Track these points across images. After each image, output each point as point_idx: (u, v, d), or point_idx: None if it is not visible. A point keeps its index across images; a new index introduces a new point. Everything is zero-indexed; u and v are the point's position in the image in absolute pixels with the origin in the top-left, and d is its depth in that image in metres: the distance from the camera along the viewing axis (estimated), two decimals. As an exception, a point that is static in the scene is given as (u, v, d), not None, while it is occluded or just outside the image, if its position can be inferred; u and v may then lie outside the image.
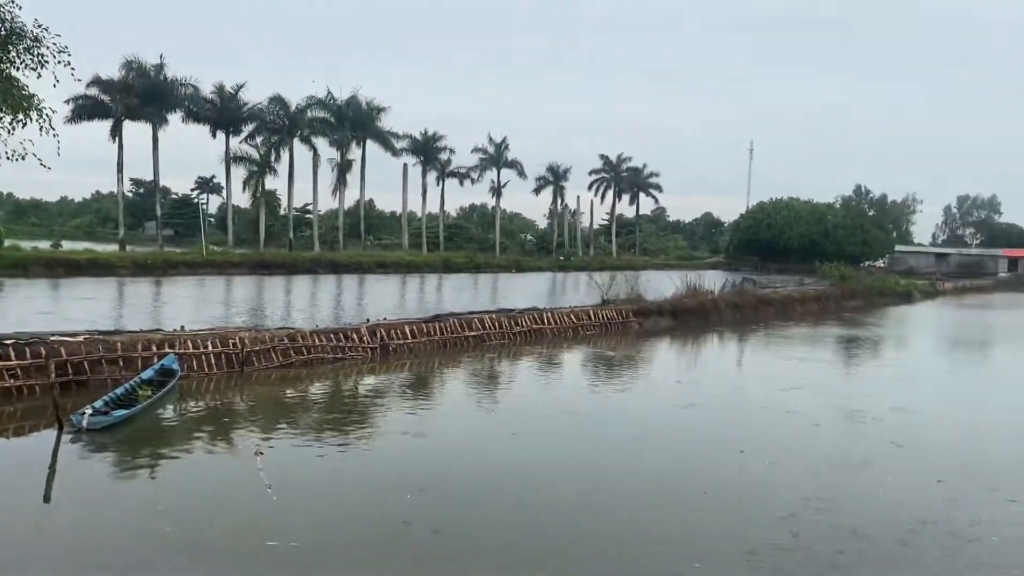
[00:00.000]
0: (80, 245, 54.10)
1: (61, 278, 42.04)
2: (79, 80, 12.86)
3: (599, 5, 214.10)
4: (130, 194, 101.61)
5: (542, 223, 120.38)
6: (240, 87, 57.76)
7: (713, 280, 39.83)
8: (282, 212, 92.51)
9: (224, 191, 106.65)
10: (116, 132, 50.80)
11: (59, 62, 12.29)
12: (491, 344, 25.03)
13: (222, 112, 57.52)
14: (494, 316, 25.90)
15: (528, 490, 11.29)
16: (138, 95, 50.78)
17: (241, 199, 69.73)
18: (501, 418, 16.38)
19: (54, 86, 12.46)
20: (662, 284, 37.19)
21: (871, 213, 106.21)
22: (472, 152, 77.79)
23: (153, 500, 10.39)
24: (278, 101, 59.49)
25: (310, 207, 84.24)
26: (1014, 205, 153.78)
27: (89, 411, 13.37)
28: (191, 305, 32.16)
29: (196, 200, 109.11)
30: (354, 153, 65.82)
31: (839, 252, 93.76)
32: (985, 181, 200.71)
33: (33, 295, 33.93)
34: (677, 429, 15.61)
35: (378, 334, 22.05)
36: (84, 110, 49.98)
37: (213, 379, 18.15)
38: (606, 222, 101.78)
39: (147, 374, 16.54)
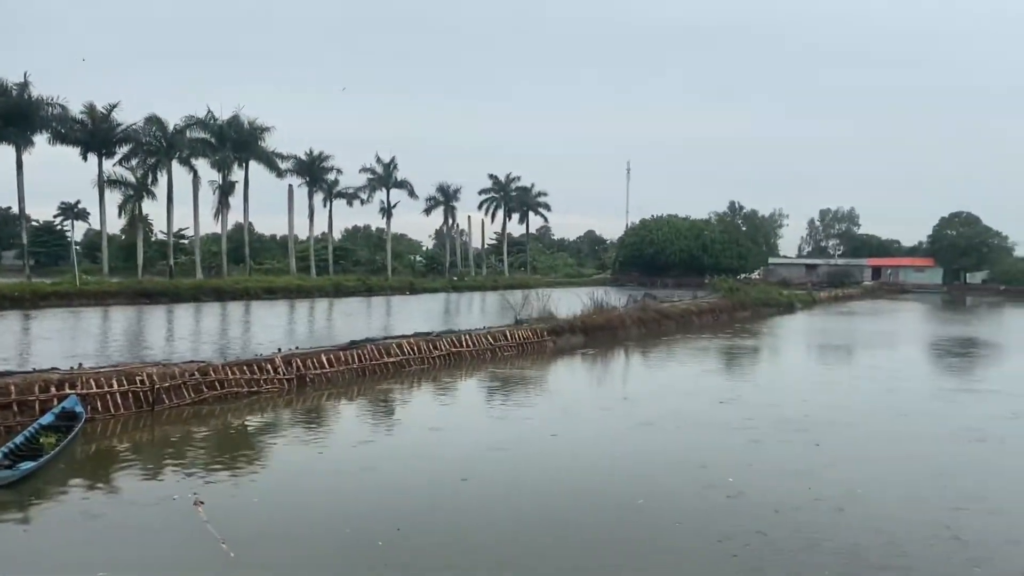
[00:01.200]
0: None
1: (-90, 314, 38.10)
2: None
3: (479, 22, 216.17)
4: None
5: (428, 243, 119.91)
6: (113, 107, 54.42)
7: (605, 295, 40.23)
8: (155, 237, 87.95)
9: (91, 217, 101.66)
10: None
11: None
12: (411, 369, 24.26)
13: (94, 134, 53.92)
14: (412, 340, 25.13)
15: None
16: (0, 115, 46.90)
17: (110, 225, 65.59)
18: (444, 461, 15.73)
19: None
20: (562, 302, 37.32)
21: (744, 228, 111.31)
22: (360, 172, 76.45)
23: (83, 569, 9.11)
24: (155, 121, 56.38)
25: (185, 231, 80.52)
26: (871, 216, 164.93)
27: (-9, 465, 11.85)
28: (74, 340, 29.70)
29: (59, 227, 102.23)
30: (236, 175, 63.26)
31: (717, 266, 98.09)
32: (844, 194, 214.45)
33: None
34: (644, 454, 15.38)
35: (294, 364, 20.91)
36: None
37: (121, 420, 16.62)
38: (494, 241, 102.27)
39: (47, 419, 14.92)
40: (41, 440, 13.80)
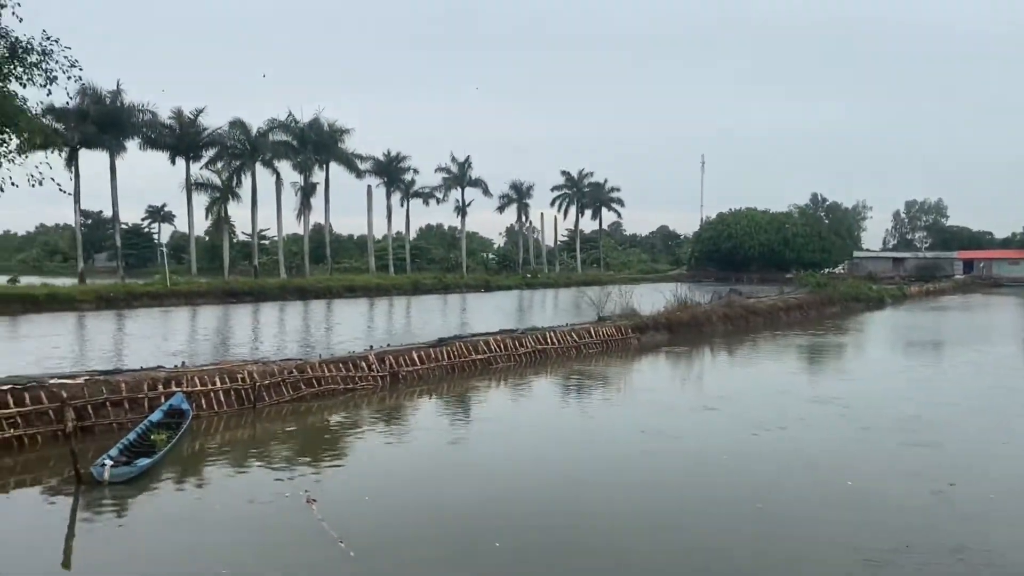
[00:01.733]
0: (40, 280, 51.59)
1: (18, 315, 39.87)
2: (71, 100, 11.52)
3: (556, 24, 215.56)
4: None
5: (499, 241, 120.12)
6: (200, 112, 56.05)
7: (685, 291, 39.28)
8: (236, 239, 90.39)
9: (176, 220, 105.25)
10: (72, 162, 48.64)
11: (69, 77, 11.14)
12: (498, 367, 24.15)
13: (181, 138, 55.65)
14: (499, 338, 25.01)
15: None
16: (95, 122, 48.76)
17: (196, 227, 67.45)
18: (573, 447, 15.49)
19: (42, 102, 11.34)
20: (642, 298, 36.61)
21: (827, 221, 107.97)
22: (436, 172, 76.95)
23: (199, 567, 9.20)
24: (239, 125, 57.85)
25: (265, 232, 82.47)
26: (959, 208, 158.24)
27: (109, 462, 12.13)
28: (169, 339, 30.60)
29: (147, 229, 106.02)
30: (317, 176, 64.46)
31: (799, 260, 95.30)
32: (932, 186, 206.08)
33: (8, 334, 32.11)
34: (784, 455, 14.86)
35: (387, 362, 21.02)
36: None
37: (223, 417, 16.93)
38: (566, 238, 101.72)
39: (156, 416, 15.28)
40: (152, 437, 14.13)
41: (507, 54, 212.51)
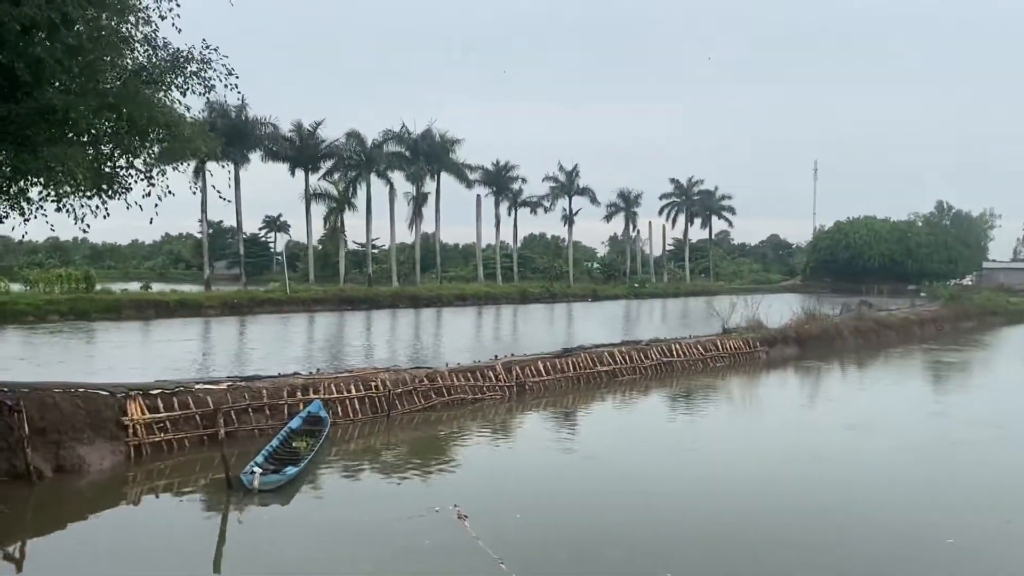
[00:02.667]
0: (167, 287, 54.18)
1: (152, 320, 41.81)
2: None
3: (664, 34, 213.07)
4: (199, 235, 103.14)
5: (601, 250, 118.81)
6: (318, 124, 57.64)
7: (806, 303, 37.45)
8: (347, 247, 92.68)
9: (291, 229, 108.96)
10: (200, 173, 50.78)
11: (226, 85, 11.29)
12: (623, 379, 23.49)
13: (301, 150, 57.42)
14: (624, 349, 24.35)
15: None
16: (223, 135, 50.80)
17: (303, 236, 69.29)
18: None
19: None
20: (759, 310, 34.84)
21: (952, 230, 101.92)
22: (543, 181, 76.69)
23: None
24: (355, 137, 59.26)
25: (375, 241, 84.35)
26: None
27: (258, 470, 12.17)
28: (295, 343, 31.41)
29: (263, 239, 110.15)
30: (428, 186, 65.37)
31: (922, 271, 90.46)
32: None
33: (143, 338, 33.73)
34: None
35: (513, 372, 20.70)
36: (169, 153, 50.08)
37: (358, 425, 16.95)
38: (671, 247, 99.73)
39: (295, 423, 15.36)
40: (295, 444, 14.19)
41: (605, 57, 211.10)
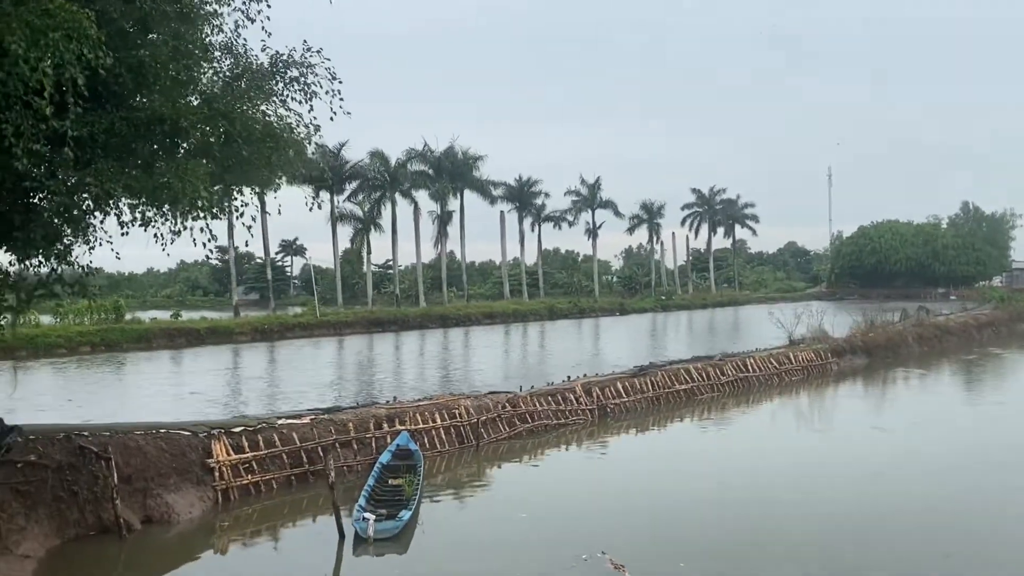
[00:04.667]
0: (195, 314, 53.15)
1: (183, 348, 40.81)
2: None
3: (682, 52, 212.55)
4: (216, 261, 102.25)
5: (615, 263, 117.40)
6: (343, 145, 56.69)
7: (821, 310, 35.93)
8: (365, 268, 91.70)
9: (307, 253, 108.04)
10: (224, 199, 49.88)
11: (327, 92, 10.05)
12: (702, 397, 22.26)
13: (325, 171, 56.42)
14: (700, 366, 23.11)
15: None
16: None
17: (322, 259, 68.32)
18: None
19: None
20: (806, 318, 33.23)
21: (978, 231, 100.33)
22: (565, 195, 75.59)
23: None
24: (379, 156, 58.36)
25: (390, 262, 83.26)
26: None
27: (371, 516, 10.94)
28: (344, 368, 30.39)
29: (280, 263, 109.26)
30: (450, 204, 64.41)
31: (950, 274, 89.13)
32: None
33: (182, 368, 32.80)
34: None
35: (594, 394, 19.50)
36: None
37: (445, 457, 15.76)
38: (689, 258, 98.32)
39: (385, 457, 14.15)
40: (392, 482, 12.98)
41: (626, 72, 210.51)
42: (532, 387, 19.37)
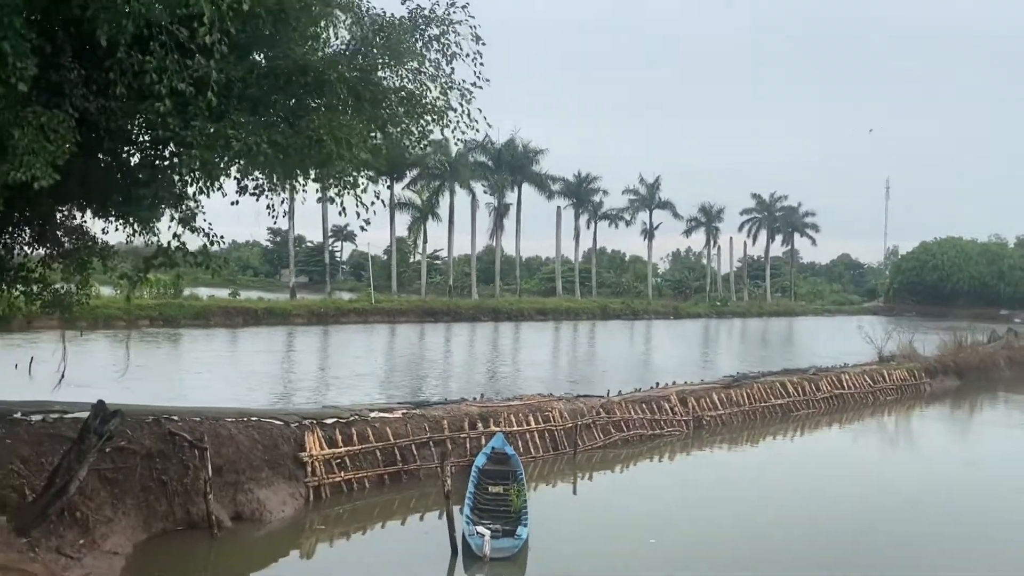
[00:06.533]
0: (252, 294, 52.82)
1: (239, 327, 40.41)
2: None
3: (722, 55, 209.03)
4: (267, 243, 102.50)
5: (662, 265, 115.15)
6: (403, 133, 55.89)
7: (872, 325, 33.81)
8: (413, 259, 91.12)
9: (357, 239, 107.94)
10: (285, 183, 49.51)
11: (468, 54, 8.89)
12: (798, 413, 20.84)
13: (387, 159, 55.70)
14: (795, 380, 21.67)
15: None
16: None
17: (364, 246, 67.65)
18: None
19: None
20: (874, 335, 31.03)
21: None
22: (623, 193, 73.91)
23: None
24: (439, 146, 57.41)
25: (438, 252, 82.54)
26: None
27: (487, 532, 9.81)
28: (412, 357, 29.63)
29: (329, 248, 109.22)
30: (507, 197, 63.31)
31: (1016, 295, 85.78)
32: None
33: (247, 347, 32.37)
34: None
35: (689, 404, 18.20)
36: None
37: (538, 463, 14.62)
38: (740, 264, 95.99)
39: (480, 460, 12.99)
40: (492, 489, 11.87)
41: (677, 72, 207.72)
42: (620, 392, 18.14)
